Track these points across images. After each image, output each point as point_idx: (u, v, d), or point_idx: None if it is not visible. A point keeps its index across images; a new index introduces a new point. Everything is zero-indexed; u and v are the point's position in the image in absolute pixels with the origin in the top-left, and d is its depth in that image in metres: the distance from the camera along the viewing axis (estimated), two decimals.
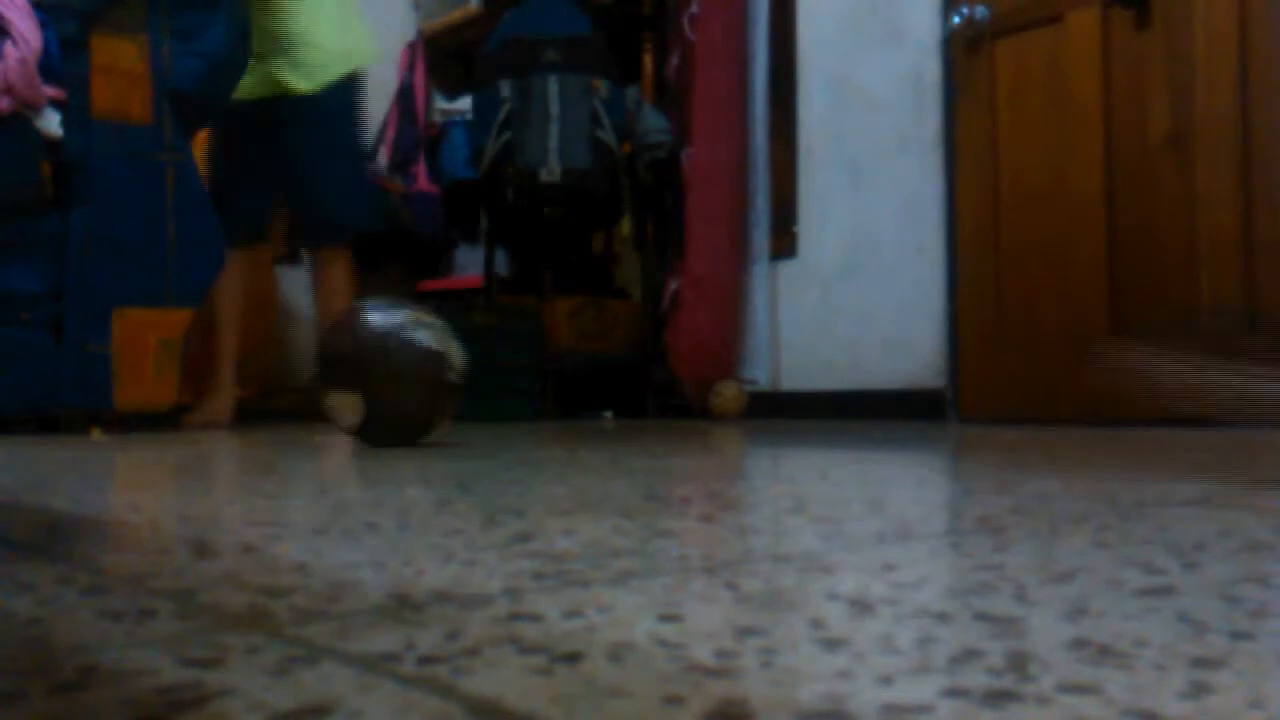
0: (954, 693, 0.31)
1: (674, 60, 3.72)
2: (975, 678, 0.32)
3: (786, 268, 3.53)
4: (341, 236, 3.23)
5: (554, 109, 3.45)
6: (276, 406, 3.95)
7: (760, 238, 3.59)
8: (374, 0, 4.14)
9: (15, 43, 2.51)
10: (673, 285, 3.64)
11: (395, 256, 4.15)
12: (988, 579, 0.50)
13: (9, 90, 2.50)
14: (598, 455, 1.54)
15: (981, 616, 0.41)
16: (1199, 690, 0.31)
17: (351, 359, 1.78)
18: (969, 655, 0.35)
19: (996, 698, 0.30)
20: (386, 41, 3.97)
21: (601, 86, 3.54)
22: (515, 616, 0.42)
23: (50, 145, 2.60)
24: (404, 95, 4.07)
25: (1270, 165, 2.51)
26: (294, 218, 3.33)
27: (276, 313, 4.05)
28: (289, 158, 3.11)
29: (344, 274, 3.26)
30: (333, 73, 3.10)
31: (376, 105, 4.15)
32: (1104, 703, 0.30)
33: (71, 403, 2.67)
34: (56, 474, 1.25)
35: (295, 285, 4.22)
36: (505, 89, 3.48)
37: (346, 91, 3.18)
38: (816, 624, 0.40)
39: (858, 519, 0.73)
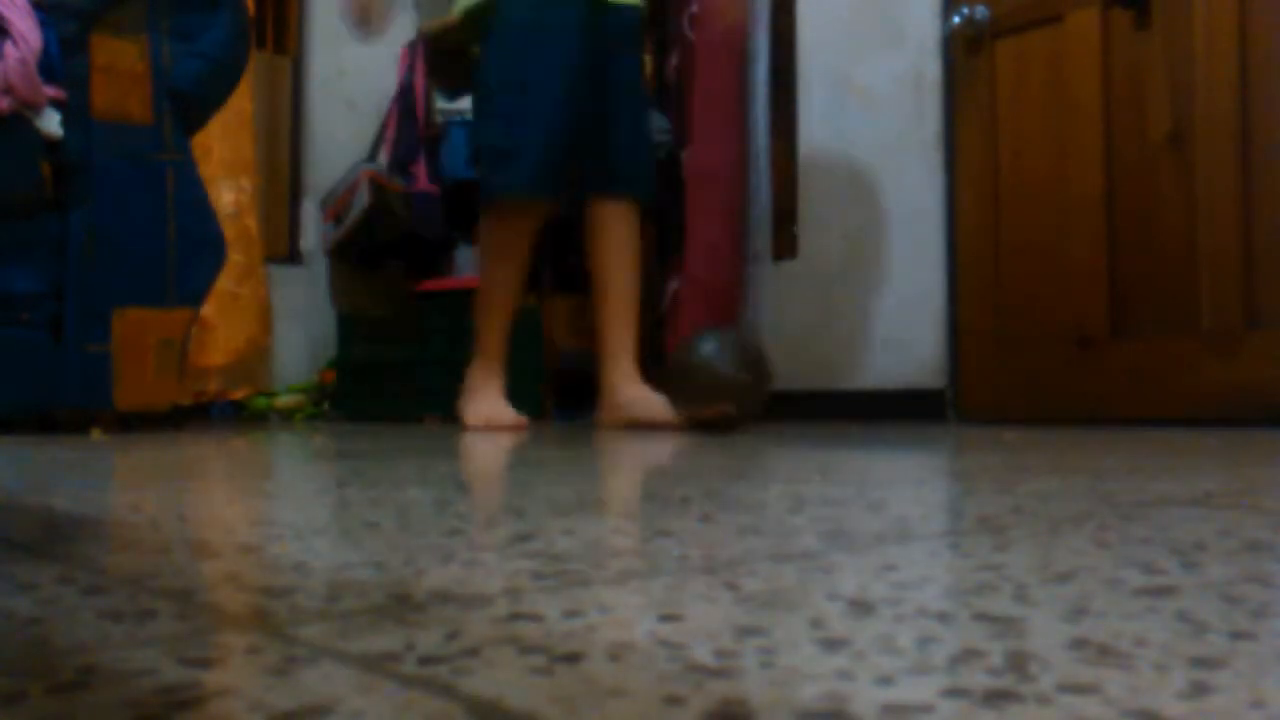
0: (954, 693, 0.31)
1: (674, 60, 3.72)
2: (975, 678, 0.32)
3: (787, 268, 3.53)
4: (643, 189, 2.73)
5: None
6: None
7: (761, 237, 3.59)
8: None
9: (15, 43, 2.51)
10: (672, 285, 3.63)
11: (395, 256, 4.15)
12: (988, 579, 0.50)
13: (9, 90, 2.50)
14: (598, 455, 1.54)
15: (981, 616, 0.41)
16: (1199, 690, 0.31)
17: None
18: (969, 655, 0.35)
19: (996, 698, 0.30)
20: (387, 41, 3.98)
21: None
22: (515, 616, 0.42)
23: (50, 145, 2.60)
24: (404, 95, 4.07)
25: (1270, 165, 2.51)
26: (597, 157, 2.67)
27: (269, 313, 4.05)
28: (610, 81, 2.62)
29: (634, 231, 2.72)
30: None
31: (377, 105, 4.16)
32: (1104, 703, 0.30)
33: (71, 403, 2.67)
34: (56, 474, 1.25)
35: (289, 285, 4.22)
36: None
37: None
38: (816, 624, 0.40)
39: (858, 519, 0.73)
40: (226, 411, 3.92)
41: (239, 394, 3.91)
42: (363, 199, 3.89)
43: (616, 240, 2.69)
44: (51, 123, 2.59)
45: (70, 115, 2.64)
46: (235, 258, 3.83)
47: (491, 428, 2.58)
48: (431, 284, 4.12)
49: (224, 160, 3.86)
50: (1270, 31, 2.52)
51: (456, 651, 0.36)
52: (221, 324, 3.84)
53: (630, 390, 2.61)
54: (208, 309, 3.76)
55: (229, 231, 3.80)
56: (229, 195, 3.86)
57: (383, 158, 3.98)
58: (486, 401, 2.65)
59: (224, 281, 3.78)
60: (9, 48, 2.51)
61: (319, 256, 4.32)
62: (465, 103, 3.98)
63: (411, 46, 4.17)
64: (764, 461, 1.41)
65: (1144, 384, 2.69)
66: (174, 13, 2.82)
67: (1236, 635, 0.38)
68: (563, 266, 3.94)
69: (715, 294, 3.52)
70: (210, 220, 2.92)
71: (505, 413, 2.64)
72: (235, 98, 3.77)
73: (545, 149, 2.55)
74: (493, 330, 2.66)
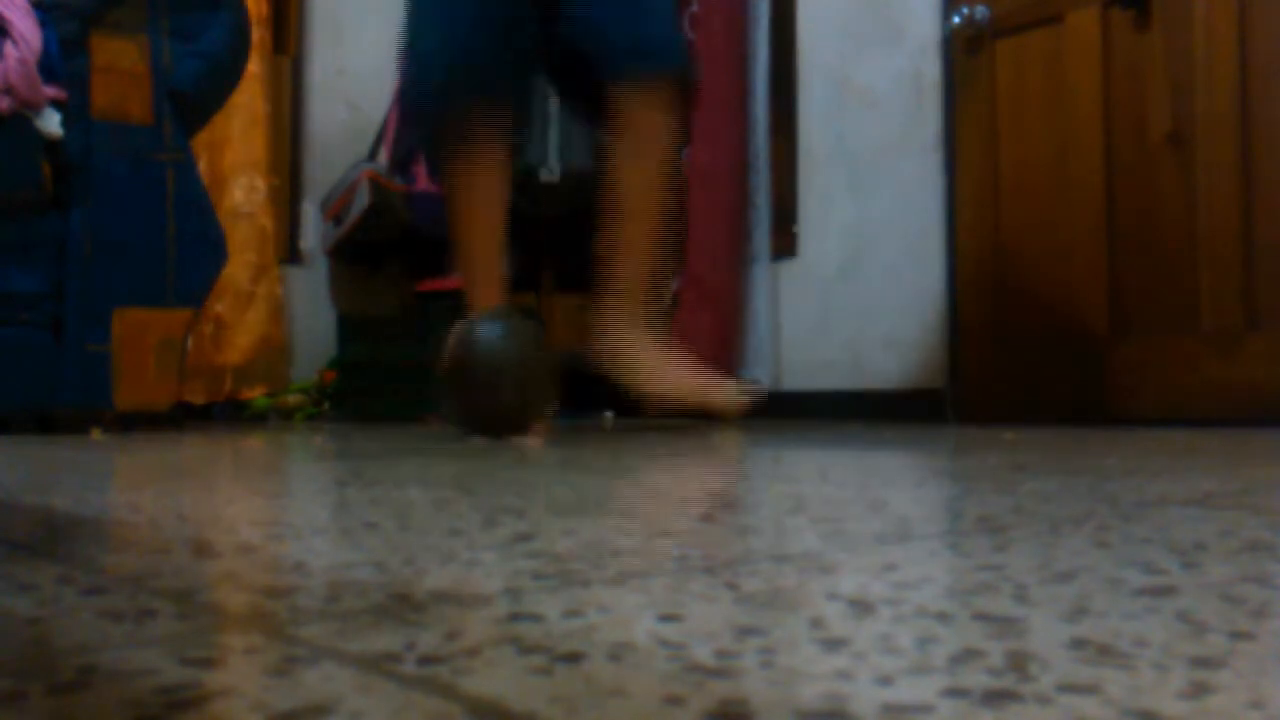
0: (954, 692, 0.31)
1: None
2: (975, 678, 0.32)
3: (786, 268, 3.53)
4: (654, 63, 2.23)
5: (553, 108, 3.46)
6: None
7: (760, 237, 3.59)
8: (374, 2, 4.15)
9: (15, 43, 2.51)
10: (672, 286, 3.63)
11: (395, 256, 4.15)
12: (988, 579, 0.50)
13: (9, 90, 2.50)
14: (598, 455, 1.54)
15: (981, 616, 0.41)
16: (1199, 690, 0.31)
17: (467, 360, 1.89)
18: (969, 655, 0.35)
19: (996, 697, 0.30)
20: (387, 42, 3.97)
21: None
22: (515, 616, 0.42)
23: (50, 145, 2.60)
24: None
25: (1270, 165, 2.51)
26: (580, 48, 2.25)
27: (283, 311, 4.05)
28: None
29: (661, 121, 2.24)
30: None
31: (377, 105, 4.16)
32: (1104, 703, 0.30)
33: (71, 403, 2.67)
34: (56, 474, 1.25)
35: (289, 284, 4.22)
36: None
37: None
38: (816, 624, 0.40)
39: (858, 519, 0.73)
40: (227, 411, 3.92)
41: (254, 393, 3.91)
42: (363, 199, 3.89)
43: (633, 141, 2.22)
44: (51, 123, 2.59)
45: (70, 115, 2.64)
46: (249, 257, 3.84)
47: None
48: (431, 284, 4.12)
49: (237, 160, 3.87)
50: (1270, 31, 2.52)
51: (456, 651, 0.36)
52: (237, 323, 3.85)
53: (649, 359, 2.22)
54: (223, 308, 3.76)
55: (243, 231, 3.80)
56: (242, 194, 3.86)
57: (383, 158, 3.98)
58: None
59: (239, 280, 3.78)
60: (9, 48, 2.51)
61: (319, 256, 4.31)
62: None
63: None
64: (764, 461, 1.41)
65: (1144, 384, 2.69)
66: (174, 13, 2.82)
67: (1236, 635, 0.38)
68: (563, 265, 3.95)
69: (715, 294, 3.52)
70: (210, 220, 2.92)
71: None
72: (249, 98, 3.77)
73: (453, 51, 2.18)
74: (481, 276, 2.18)
